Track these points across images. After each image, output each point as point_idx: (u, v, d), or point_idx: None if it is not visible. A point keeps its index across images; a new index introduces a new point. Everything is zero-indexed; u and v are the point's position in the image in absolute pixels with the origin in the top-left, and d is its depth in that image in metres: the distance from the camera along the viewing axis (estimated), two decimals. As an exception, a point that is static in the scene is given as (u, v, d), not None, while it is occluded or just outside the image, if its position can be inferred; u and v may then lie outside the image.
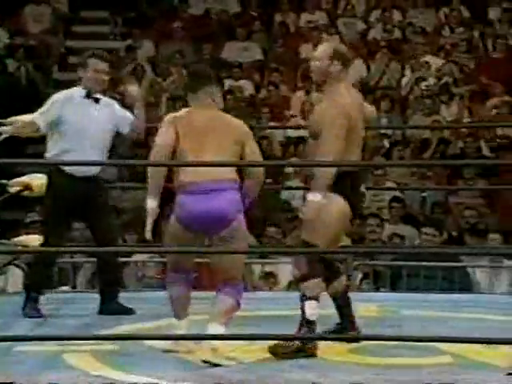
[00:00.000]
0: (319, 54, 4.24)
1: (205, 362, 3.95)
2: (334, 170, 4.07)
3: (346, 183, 4.13)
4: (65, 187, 4.86)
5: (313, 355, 4.04)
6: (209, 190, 4.06)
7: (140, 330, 4.59)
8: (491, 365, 3.98)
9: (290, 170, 8.68)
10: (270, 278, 7.00)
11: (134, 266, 7.28)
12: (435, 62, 10.02)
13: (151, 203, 4.20)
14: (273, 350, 4.04)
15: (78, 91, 5.03)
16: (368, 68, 10.16)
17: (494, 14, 10.55)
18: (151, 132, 9.44)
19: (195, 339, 4.10)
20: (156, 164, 4.20)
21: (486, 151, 8.94)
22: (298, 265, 4.12)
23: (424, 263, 6.41)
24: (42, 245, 4.91)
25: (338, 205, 4.11)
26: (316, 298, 4.07)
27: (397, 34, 10.48)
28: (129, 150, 9.06)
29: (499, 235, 7.53)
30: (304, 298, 4.07)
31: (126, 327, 4.64)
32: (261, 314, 4.87)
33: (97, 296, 5.08)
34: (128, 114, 5.14)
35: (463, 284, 6.71)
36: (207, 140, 4.11)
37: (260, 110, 9.54)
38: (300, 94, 9.75)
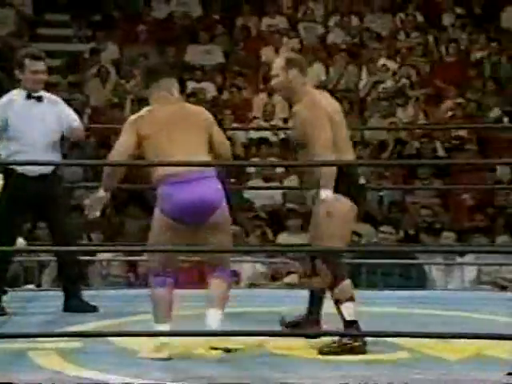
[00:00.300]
0: (275, 70, 4.24)
1: (214, 348, 3.92)
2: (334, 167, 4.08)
3: (346, 182, 4.13)
4: (18, 187, 4.81)
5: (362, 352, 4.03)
6: (192, 179, 4.00)
7: (105, 327, 4.55)
8: (443, 359, 4.01)
9: (252, 169, 8.68)
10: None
11: (99, 265, 7.23)
12: (392, 65, 10.07)
13: (101, 193, 4.19)
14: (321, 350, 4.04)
15: (19, 93, 4.94)
16: (327, 71, 10.18)
17: (447, 19, 10.64)
18: (117, 132, 9.44)
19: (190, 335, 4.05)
20: (114, 164, 4.16)
21: (440, 152, 9.01)
22: (321, 273, 4.12)
23: (381, 261, 6.44)
24: None
25: (345, 205, 4.11)
26: (350, 299, 4.10)
27: (355, 38, 10.52)
28: (68, 149, 9.00)
29: (453, 233, 7.60)
30: (339, 302, 4.09)
31: (90, 325, 4.60)
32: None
33: (62, 294, 5.03)
34: (73, 115, 5.04)
35: (419, 281, 6.76)
36: (175, 134, 4.06)
37: (222, 112, 9.52)
38: (262, 96, 9.76)
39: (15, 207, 4.84)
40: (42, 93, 4.97)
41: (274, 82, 4.26)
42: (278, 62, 4.23)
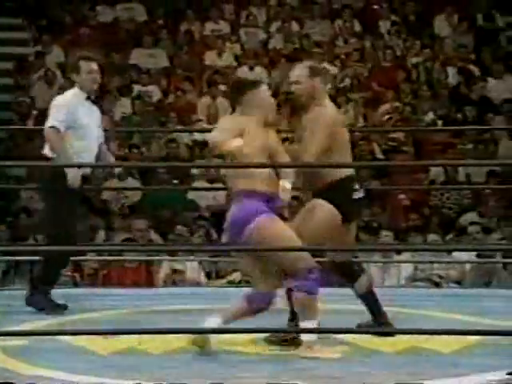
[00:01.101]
0: (298, 77, 4.29)
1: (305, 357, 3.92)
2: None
3: (338, 191, 4.18)
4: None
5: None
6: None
7: (50, 326, 4.52)
8: (380, 352, 4.06)
9: (195, 171, 8.67)
10: (177, 275, 6.98)
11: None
12: (332, 70, 10.14)
13: None
14: None
15: (79, 94, 4.98)
16: (269, 75, 10.21)
17: (383, 26, 10.75)
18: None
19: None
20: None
21: (378, 153, 9.09)
22: (335, 273, 4.24)
23: (320, 259, 6.47)
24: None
25: (327, 213, 4.15)
26: (371, 291, 4.26)
27: (295, 43, 10.57)
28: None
29: (390, 232, 7.69)
30: (364, 296, 4.19)
31: (39, 323, 4.56)
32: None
33: (8, 293, 4.97)
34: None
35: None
36: None
37: (168, 115, 9.49)
38: (205, 99, 9.75)
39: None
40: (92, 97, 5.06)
41: (295, 87, 4.31)
42: (303, 71, 4.29)
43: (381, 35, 10.63)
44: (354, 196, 4.26)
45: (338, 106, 9.43)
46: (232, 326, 4.03)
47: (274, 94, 10.61)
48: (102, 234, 7.91)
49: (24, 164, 8.69)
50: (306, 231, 4.12)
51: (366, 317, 4.38)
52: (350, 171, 4.28)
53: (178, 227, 7.63)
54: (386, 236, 7.54)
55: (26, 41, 10.88)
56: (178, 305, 4.76)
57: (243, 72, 10.12)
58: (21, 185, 8.54)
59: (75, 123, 4.92)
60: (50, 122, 4.92)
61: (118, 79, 10.09)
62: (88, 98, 5.02)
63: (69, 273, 7.15)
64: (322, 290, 4.17)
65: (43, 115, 9.50)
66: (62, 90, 10.01)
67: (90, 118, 4.99)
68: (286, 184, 4.05)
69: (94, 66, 5.00)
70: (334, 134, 4.20)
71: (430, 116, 9.50)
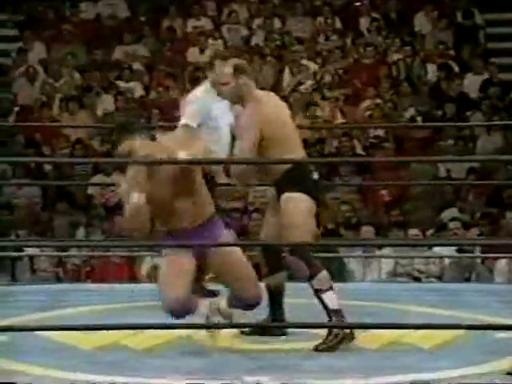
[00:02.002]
0: (224, 78, 4.25)
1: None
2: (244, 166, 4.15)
3: (302, 180, 4.16)
4: None
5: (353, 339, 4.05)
6: None
7: (35, 321, 4.48)
8: (361, 347, 4.06)
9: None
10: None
11: (27, 260, 7.11)
12: (312, 66, 10.13)
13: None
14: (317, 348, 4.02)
15: (210, 90, 4.91)
16: (251, 71, 10.18)
17: (364, 23, 10.75)
18: (42, 132, 9.29)
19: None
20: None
21: (359, 150, 9.09)
22: (298, 267, 4.12)
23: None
24: None
25: (307, 201, 4.14)
26: (330, 288, 4.11)
27: (277, 40, 10.55)
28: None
29: (372, 228, 7.69)
30: (319, 291, 4.08)
31: (20, 318, 4.52)
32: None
33: None
34: None
35: (339, 273, 6.81)
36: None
37: (150, 111, 9.45)
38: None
39: None
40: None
41: (223, 90, 4.27)
42: (227, 71, 4.24)
43: (361, 33, 10.63)
44: (313, 177, 4.25)
45: (316, 103, 9.49)
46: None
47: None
48: (82, 230, 7.86)
49: (5, 160, 8.62)
50: (298, 227, 4.10)
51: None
52: (302, 156, 4.29)
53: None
54: (366, 231, 7.53)
55: (7, 37, 10.80)
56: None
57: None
58: (4, 180, 8.48)
59: (208, 116, 4.87)
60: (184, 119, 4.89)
61: (101, 76, 10.03)
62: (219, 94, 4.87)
63: (52, 268, 7.12)
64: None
65: (25, 111, 9.58)
66: (43, 86, 10.02)
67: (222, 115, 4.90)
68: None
69: (227, 68, 4.91)
70: (268, 130, 4.17)
71: (411, 112, 9.50)
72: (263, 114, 4.20)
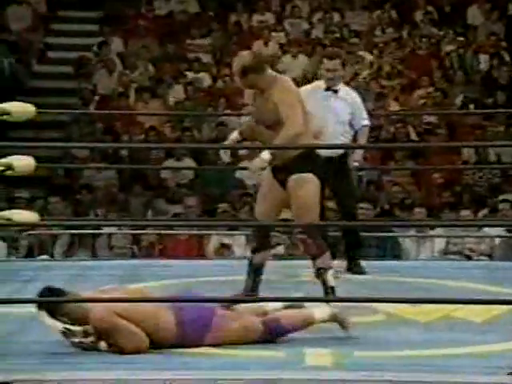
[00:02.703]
0: (236, 76, 4.15)
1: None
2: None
3: (317, 163, 4.12)
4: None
5: None
6: None
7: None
8: (416, 321, 4.00)
9: (243, 152, 8.63)
10: (225, 249, 6.95)
11: (106, 238, 7.20)
12: (369, 57, 10.04)
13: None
14: None
15: (322, 85, 4.96)
16: (311, 62, 10.15)
17: (419, 16, 10.61)
18: (119, 120, 9.39)
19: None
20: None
21: (413, 136, 8.99)
22: (309, 247, 4.10)
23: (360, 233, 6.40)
24: None
25: (315, 183, 4.09)
26: (331, 268, 4.10)
27: (336, 33, 10.48)
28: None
29: (424, 209, 7.59)
30: (322, 270, 4.06)
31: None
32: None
33: (71, 263, 4.98)
34: (363, 113, 4.99)
35: (394, 251, 6.74)
36: None
37: (217, 100, 9.47)
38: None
39: None
40: (340, 86, 4.96)
41: (241, 83, 4.19)
42: (236, 70, 4.12)
43: (416, 25, 10.48)
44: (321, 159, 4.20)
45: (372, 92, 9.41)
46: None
47: (312, 79, 10.58)
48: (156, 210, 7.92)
49: (87, 146, 8.75)
50: (310, 207, 4.04)
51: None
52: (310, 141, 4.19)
53: (223, 204, 7.59)
54: (419, 213, 7.43)
55: (88, 32, 10.93)
56: (227, 276, 4.72)
57: (287, 60, 10.06)
58: (83, 164, 8.59)
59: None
60: None
61: (172, 67, 10.08)
62: (327, 89, 4.92)
63: (128, 245, 7.19)
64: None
65: (104, 100, 9.68)
66: (120, 77, 10.12)
67: (323, 109, 4.85)
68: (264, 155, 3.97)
69: (331, 64, 4.90)
70: (302, 106, 4.10)
71: (463, 100, 9.35)
72: (297, 91, 4.13)
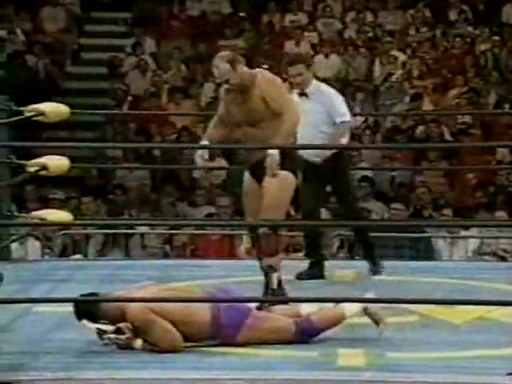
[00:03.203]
0: (224, 76, 4.03)
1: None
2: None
3: (296, 163, 4.10)
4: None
5: None
6: None
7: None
8: (449, 322, 3.98)
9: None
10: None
11: (139, 237, 7.24)
12: (402, 57, 10.00)
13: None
14: None
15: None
16: (344, 62, 10.12)
17: (453, 15, 10.54)
18: (152, 120, 9.45)
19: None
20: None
21: (447, 136, 8.92)
22: (268, 244, 4.01)
23: (393, 234, 6.39)
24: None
25: (292, 181, 4.06)
26: (278, 271, 4.06)
27: (369, 32, 10.44)
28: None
29: (457, 210, 7.53)
30: (271, 270, 4.02)
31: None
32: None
33: (105, 263, 5.02)
34: (340, 109, 4.77)
35: (427, 252, 6.70)
36: None
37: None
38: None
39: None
40: (312, 88, 4.81)
41: (228, 85, 4.05)
42: (223, 67, 4.03)
43: (451, 23, 10.42)
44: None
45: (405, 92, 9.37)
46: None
47: (348, 82, 10.51)
48: (185, 210, 7.95)
49: (120, 146, 8.81)
50: (280, 204, 4.01)
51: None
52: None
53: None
54: (447, 214, 7.36)
55: (123, 33, 11.02)
56: (259, 276, 4.73)
57: (319, 60, 10.05)
58: (117, 164, 8.65)
59: None
60: None
61: (204, 68, 10.12)
62: (301, 94, 4.83)
63: (160, 245, 7.23)
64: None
65: (136, 101, 9.74)
66: (153, 77, 10.18)
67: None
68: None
69: (292, 70, 4.83)
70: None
71: (497, 99, 9.27)
72: (280, 80, 4.11)
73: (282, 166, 4.02)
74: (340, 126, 4.71)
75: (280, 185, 4.01)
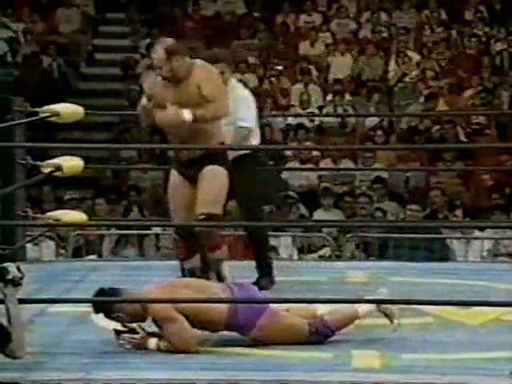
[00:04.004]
0: (159, 62, 4.01)
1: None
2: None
3: (227, 159, 4.07)
4: None
5: None
6: None
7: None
8: (465, 323, 3.97)
9: (289, 153, 8.64)
10: (271, 251, 6.95)
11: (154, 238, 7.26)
12: (417, 58, 9.98)
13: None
14: None
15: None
16: (358, 63, 10.11)
17: (469, 15, 10.50)
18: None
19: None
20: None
21: (462, 137, 8.90)
22: (212, 237, 4.01)
23: (408, 235, 6.38)
24: None
25: (226, 179, 4.06)
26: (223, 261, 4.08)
27: (384, 32, 10.43)
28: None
29: (461, 211, 7.51)
30: (213, 264, 4.01)
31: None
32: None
33: (119, 263, 5.04)
34: (242, 113, 4.59)
35: (442, 253, 6.68)
36: None
37: (263, 100, 9.49)
38: (299, 85, 9.71)
39: None
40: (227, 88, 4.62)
41: (163, 71, 4.01)
42: (160, 55, 4.01)
43: (466, 23, 10.38)
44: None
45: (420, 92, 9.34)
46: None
47: (363, 82, 10.50)
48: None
49: (134, 147, 8.82)
50: (219, 199, 4.00)
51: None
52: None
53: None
54: (467, 214, 7.34)
55: (135, 34, 11.04)
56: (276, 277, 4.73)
57: (333, 60, 10.06)
58: (131, 165, 8.68)
59: None
60: None
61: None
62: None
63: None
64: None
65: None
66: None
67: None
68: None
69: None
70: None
71: (513, 100, 9.24)
72: (217, 72, 4.11)
73: (218, 162, 4.01)
74: (239, 129, 4.56)
75: (219, 182, 4.01)
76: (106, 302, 3.56)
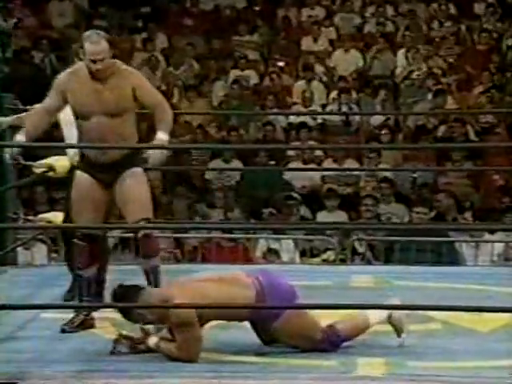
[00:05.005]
0: (102, 54, 3.95)
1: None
2: None
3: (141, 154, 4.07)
4: None
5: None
6: None
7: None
8: (474, 330, 3.97)
9: (291, 152, 8.65)
10: (272, 254, 6.97)
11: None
12: (425, 53, 9.97)
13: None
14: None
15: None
16: (364, 58, 10.12)
17: (479, 8, 10.49)
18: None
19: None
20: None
21: (471, 135, 8.90)
22: (153, 243, 3.99)
23: (415, 238, 6.38)
24: None
25: (146, 178, 4.06)
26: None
27: (390, 27, 10.43)
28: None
29: (482, 212, 7.51)
30: (156, 268, 3.99)
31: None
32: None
33: (114, 268, 5.03)
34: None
35: (450, 257, 6.68)
36: None
37: (264, 98, 9.51)
38: (301, 82, 9.72)
39: None
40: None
41: (102, 65, 3.94)
42: (104, 45, 3.94)
43: (476, 17, 10.38)
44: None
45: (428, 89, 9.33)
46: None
47: (369, 78, 10.48)
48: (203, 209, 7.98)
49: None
50: (147, 202, 3.97)
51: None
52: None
53: (270, 208, 7.61)
54: (476, 216, 7.34)
55: (131, 29, 11.05)
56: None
57: (337, 56, 10.06)
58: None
59: None
60: None
61: (218, 65, 10.15)
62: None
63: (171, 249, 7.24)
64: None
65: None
66: (164, 74, 10.21)
67: None
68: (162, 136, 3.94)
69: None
70: None
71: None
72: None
73: (139, 164, 3.98)
74: None
75: (145, 184, 3.99)
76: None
